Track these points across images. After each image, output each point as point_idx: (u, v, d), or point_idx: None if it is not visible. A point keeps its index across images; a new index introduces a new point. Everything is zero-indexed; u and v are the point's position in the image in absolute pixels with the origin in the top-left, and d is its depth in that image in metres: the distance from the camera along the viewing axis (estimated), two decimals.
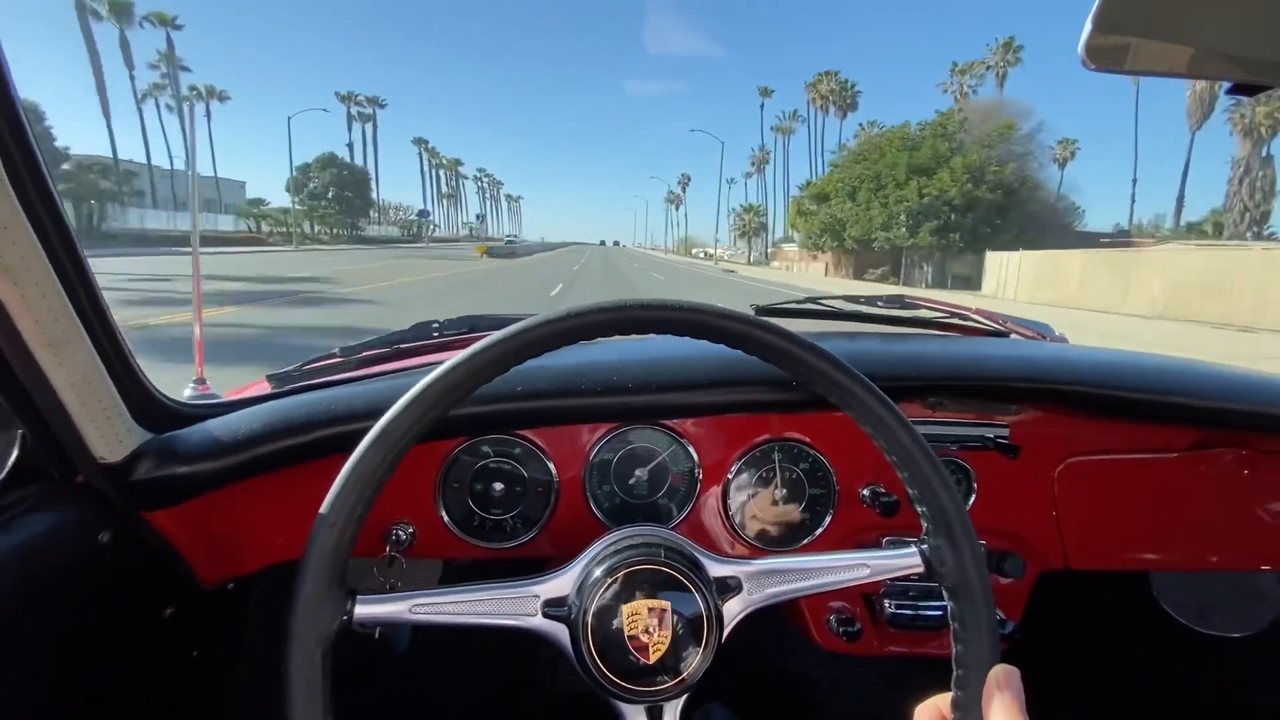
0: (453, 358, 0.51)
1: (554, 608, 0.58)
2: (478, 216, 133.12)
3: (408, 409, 0.51)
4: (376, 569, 0.87)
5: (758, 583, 0.59)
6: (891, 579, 0.59)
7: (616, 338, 0.59)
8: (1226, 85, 0.56)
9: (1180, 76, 0.58)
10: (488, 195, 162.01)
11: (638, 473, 0.91)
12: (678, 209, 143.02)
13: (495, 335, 0.51)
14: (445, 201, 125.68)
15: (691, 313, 0.54)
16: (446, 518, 0.89)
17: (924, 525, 0.56)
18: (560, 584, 0.59)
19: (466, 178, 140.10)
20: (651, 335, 0.95)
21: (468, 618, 0.56)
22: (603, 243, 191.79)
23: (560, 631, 0.57)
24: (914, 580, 0.58)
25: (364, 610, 0.52)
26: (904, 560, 0.57)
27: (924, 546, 0.56)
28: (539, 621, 0.57)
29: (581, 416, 0.86)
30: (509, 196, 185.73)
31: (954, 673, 0.52)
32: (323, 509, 0.49)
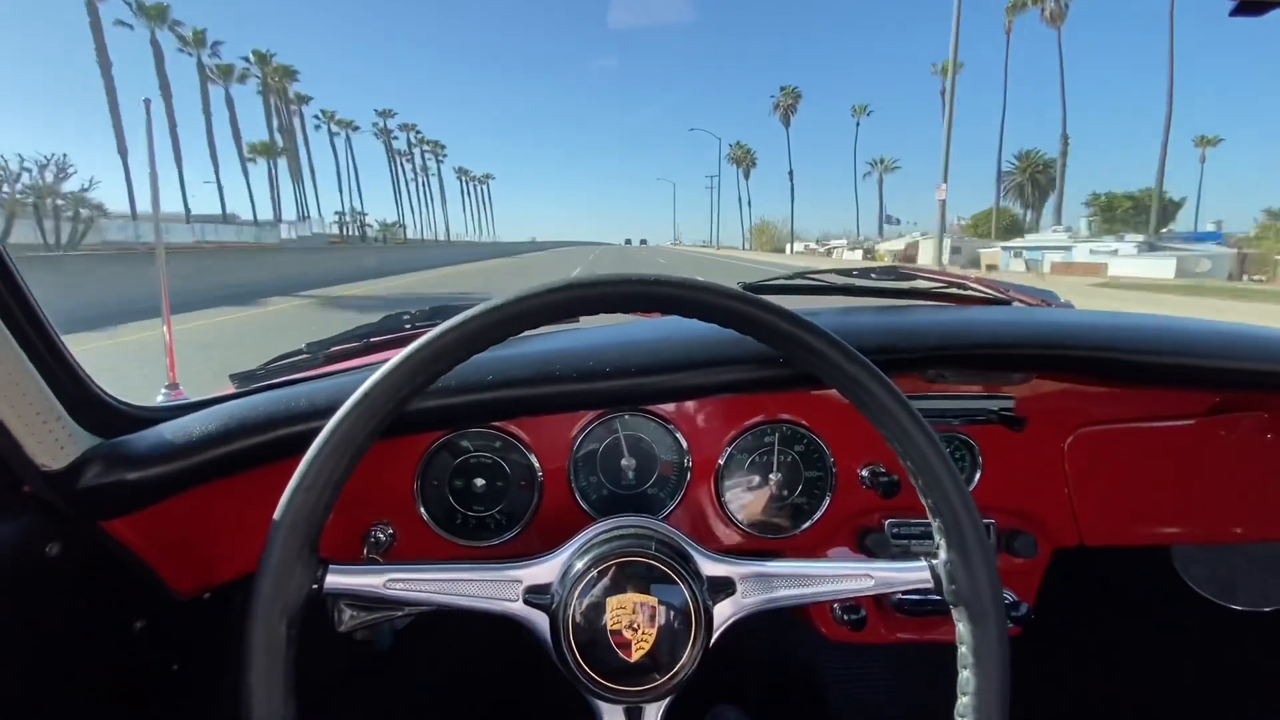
0: (442, 324, 0.49)
1: (536, 595, 0.55)
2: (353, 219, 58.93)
3: (395, 371, 0.49)
4: None
5: (753, 586, 0.56)
6: (897, 593, 0.55)
7: (592, 322, 0.56)
8: (1230, 5, 0.52)
9: None
10: (411, 164, 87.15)
11: (624, 462, 0.87)
12: (748, 176, 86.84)
13: (489, 303, 0.50)
14: (260, 161, 55.88)
15: (708, 294, 0.51)
16: (427, 516, 0.85)
17: (935, 539, 0.52)
18: (544, 570, 0.56)
19: (352, 128, 70.80)
20: (633, 317, 0.91)
21: (445, 597, 0.53)
22: (628, 241, 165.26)
23: (540, 620, 0.54)
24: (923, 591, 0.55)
25: (336, 579, 0.50)
26: (911, 574, 0.54)
27: (934, 561, 0.53)
28: (519, 607, 0.55)
29: (559, 405, 0.82)
30: (464, 173, 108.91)
31: (959, 699, 0.49)
32: (298, 471, 0.47)
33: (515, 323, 0.50)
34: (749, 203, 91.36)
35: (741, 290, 0.51)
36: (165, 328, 1.08)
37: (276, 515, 0.47)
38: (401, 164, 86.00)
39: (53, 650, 0.67)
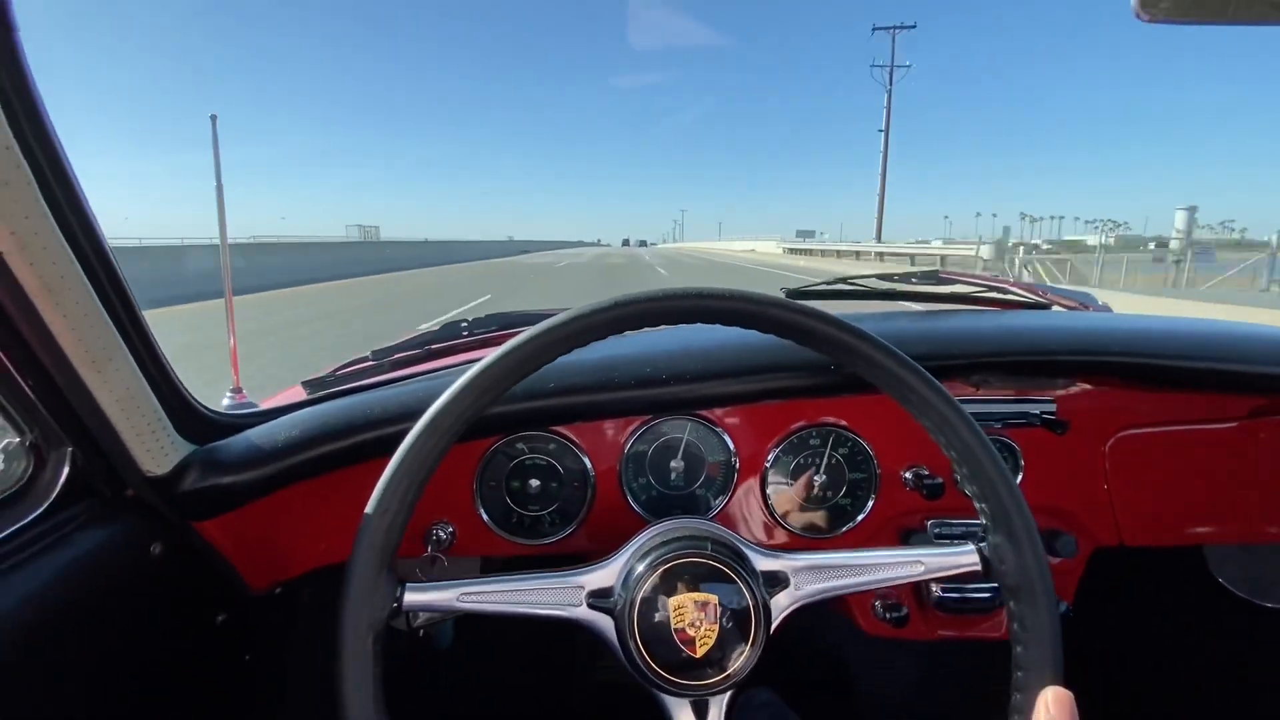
0: (506, 343, 0.52)
1: (599, 599, 0.58)
2: None
3: (459, 396, 0.51)
4: (419, 568, 0.88)
5: (806, 577, 0.59)
6: (947, 577, 0.57)
7: (645, 329, 0.58)
8: None
9: (1238, 22, 0.54)
10: None
11: (673, 464, 0.90)
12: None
13: (546, 323, 0.52)
14: None
15: (757, 304, 0.53)
16: (485, 516, 0.89)
17: (983, 522, 0.54)
18: (605, 575, 0.59)
19: None
20: (682, 325, 0.94)
21: (513, 607, 0.56)
22: (625, 243, 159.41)
23: (605, 623, 0.57)
24: (969, 577, 0.57)
25: (413, 597, 0.53)
26: (961, 558, 0.56)
27: (982, 544, 0.55)
28: (584, 612, 0.57)
29: (615, 410, 0.85)
30: None
31: (1014, 674, 0.51)
32: (374, 496, 0.50)
33: (573, 340, 0.52)
34: None
35: (793, 301, 0.54)
36: (230, 333, 1.13)
37: (356, 541, 0.50)
38: None
39: (151, 642, 0.72)
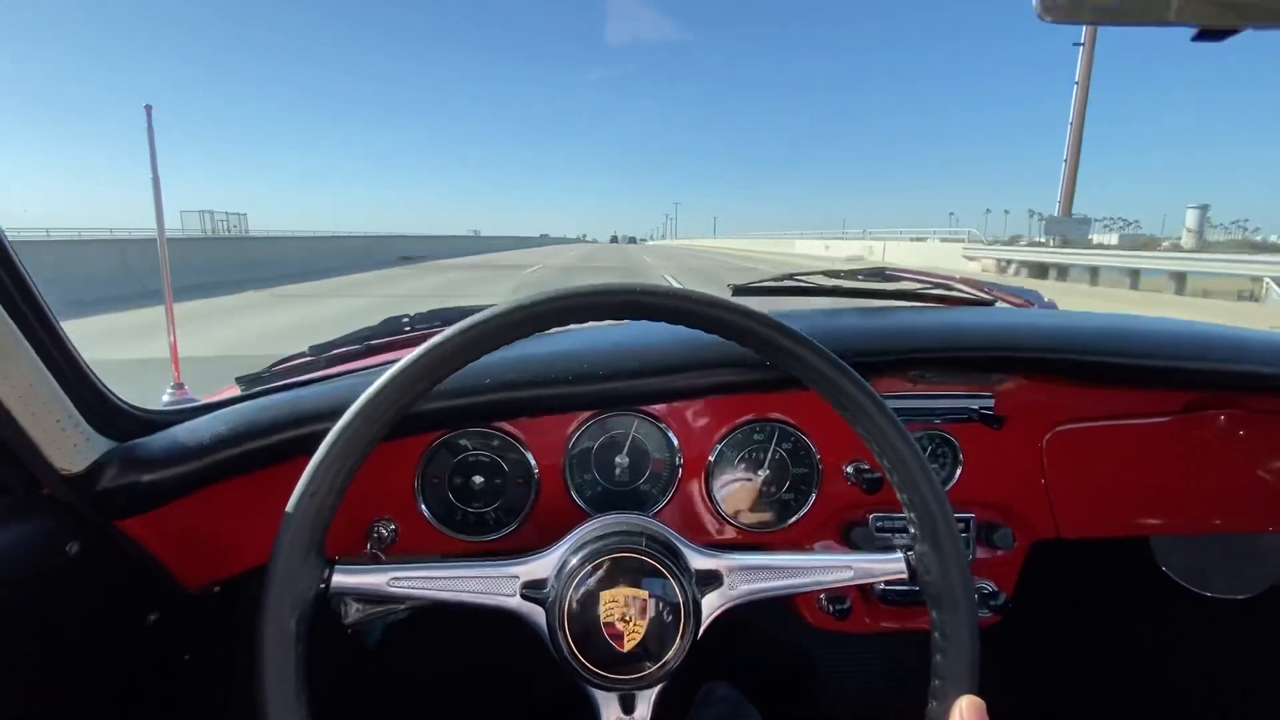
0: (444, 331, 0.51)
1: (533, 590, 0.58)
2: None
3: (395, 379, 0.51)
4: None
5: (740, 577, 0.59)
6: (876, 583, 0.58)
7: (587, 325, 0.58)
8: (1192, 31, 0.54)
9: (1140, 24, 0.55)
10: None
11: (618, 460, 0.90)
12: None
13: (485, 313, 0.52)
14: None
15: (692, 302, 0.53)
16: (427, 513, 0.88)
17: (910, 530, 0.55)
18: (540, 566, 0.59)
19: None
20: (627, 321, 0.93)
21: (445, 594, 0.56)
22: (614, 239, 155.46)
23: (537, 614, 0.57)
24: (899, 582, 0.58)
25: (342, 579, 0.52)
26: (888, 565, 0.57)
27: (910, 553, 0.56)
28: (516, 602, 0.57)
29: (554, 406, 0.84)
30: None
31: (931, 683, 0.52)
32: (304, 477, 0.50)
33: (509, 332, 0.52)
34: None
35: (723, 299, 0.54)
36: (169, 330, 1.11)
37: (284, 520, 0.49)
38: None
39: (73, 643, 0.70)
